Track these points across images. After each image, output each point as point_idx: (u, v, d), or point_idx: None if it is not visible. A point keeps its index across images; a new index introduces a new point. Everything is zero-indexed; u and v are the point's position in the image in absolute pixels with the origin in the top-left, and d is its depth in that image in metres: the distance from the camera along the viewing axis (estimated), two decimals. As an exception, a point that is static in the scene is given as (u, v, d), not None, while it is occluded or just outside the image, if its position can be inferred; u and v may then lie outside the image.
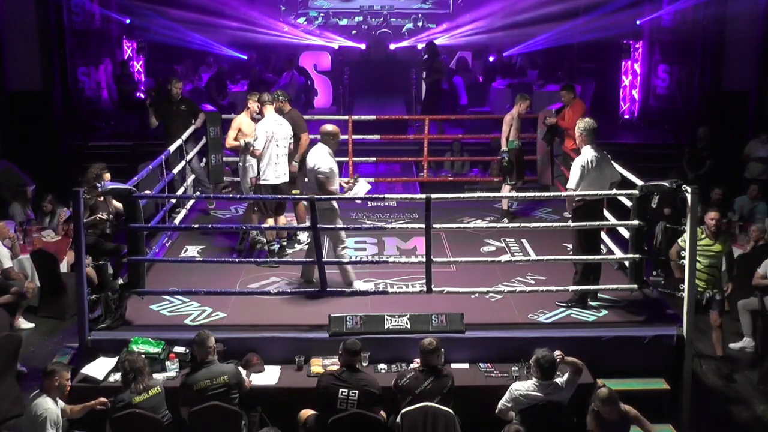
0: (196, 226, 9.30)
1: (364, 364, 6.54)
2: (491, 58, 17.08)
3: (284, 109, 8.77)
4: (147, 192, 8.12)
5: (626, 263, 7.57)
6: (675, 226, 9.69)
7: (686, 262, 6.87)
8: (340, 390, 5.92)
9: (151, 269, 7.80)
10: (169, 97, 10.32)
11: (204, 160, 10.26)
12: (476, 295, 7.43)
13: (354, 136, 10.90)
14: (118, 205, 7.94)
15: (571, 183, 7.23)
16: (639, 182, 7.34)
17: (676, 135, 14.25)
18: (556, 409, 5.92)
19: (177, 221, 9.35)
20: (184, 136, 9.80)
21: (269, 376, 6.60)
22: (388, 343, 6.80)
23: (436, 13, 19.05)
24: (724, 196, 10.72)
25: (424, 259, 6.99)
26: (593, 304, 7.45)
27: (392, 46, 18.30)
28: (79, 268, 6.80)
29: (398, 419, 5.93)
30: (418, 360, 6.28)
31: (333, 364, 6.47)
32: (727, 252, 8.31)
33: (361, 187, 7.65)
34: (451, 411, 5.91)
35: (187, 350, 6.57)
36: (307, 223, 7.84)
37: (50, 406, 5.87)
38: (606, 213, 8.01)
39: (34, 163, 12.48)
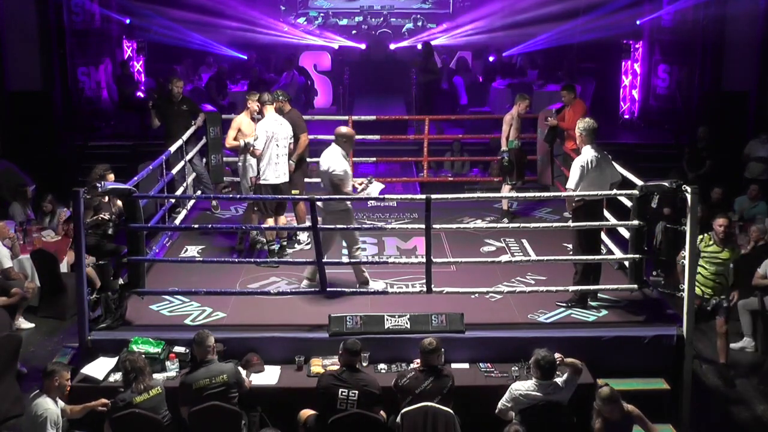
0: (196, 226, 9.30)
1: (364, 364, 6.54)
2: (491, 58, 17.08)
3: (284, 109, 8.77)
4: (147, 192, 8.13)
5: (626, 263, 7.56)
6: (675, 226, 9.68)
7: (686, 261, 6.86)
8: (340, 390, 5.93)
9: (151, 269, 7.81)
10: (170, 96, 10.31)
11: (204, 159, 10.26)
12: (476, 295, 7.43)
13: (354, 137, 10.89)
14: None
15: (571, 183, 7.23)
16: (639, 182, 7.34)
17: (676, 135, 14.26)
18: (556, 409, 5.92)
19: (177, 221, 9.35)
20: (185, 136, 9.81)
21: (269, 376, 6.60)
22: (388, 343, 6.80)
23: (436, 13, 19.06)
24: (724, 196, 10.73)
25: (424, 259, 6.99)
26: (593, 304, 7.45)
27: (392, 46, 18.30)
28: (79, 268, 6.79)
29: (398, 419, 5.93)
30: (418, 360, 6.29)
31: (333, 364, 6.47)
32: (737, 260, 8.13)
33: (375, 188, 7.65)
34: (451, 411, 5.91)
35: (187, 350, 6.57)
36: (308, 223, 7.84)
37: (50, 407, 5.87)
38: (606, 213, 8.00)
39: (34, 163, 12.47)
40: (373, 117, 11.28)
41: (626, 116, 15.79)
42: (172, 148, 9.31)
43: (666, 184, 6.99)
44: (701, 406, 7.32)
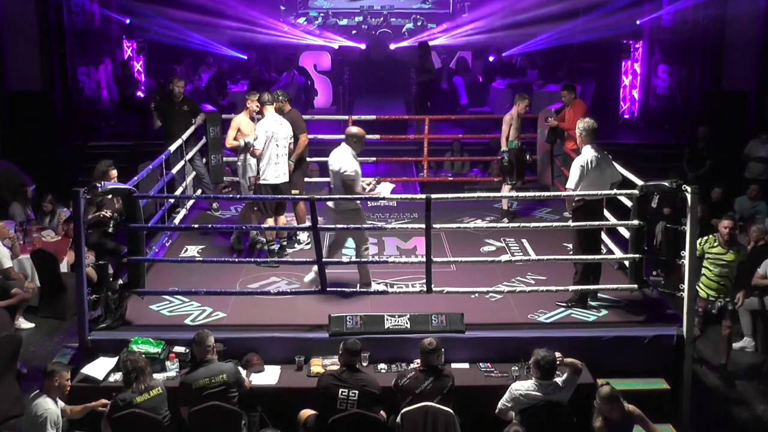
0: (196, 226, 9.29)
1: (364, 364, 6.54)
2: (491, 58, 17.08)
3: (284, 109, 8.76)
4: (147, 192, 8.12)
5: (626, 263, 7.56)
6: (675, 226, 9.67)
7: (686, 261, 6.86)
8: (340, 390, 5.93)
9: (151, 269, 7.80)
10: (171, 96, 10.32)
11: (204, 159, 10.26)
12: (476, 295, 7.43)
13: (354, 136, 10.90)
14: None
15: (571, 183, 7.23)
16: (639, 182, 7.34)
17: (676, 135, 14.26)
18: (556, 408, 5.92)
19: (177, 221, 9.35)
20: (185, 136, 9.81)
21: (269, 376, 6.60)
22: (388, 343, 6.80)
23: (436, 13, 19.05)
24: (724, 196, 10.73)
25: (424, 259, 6.98)
26: (593, 304, 7.45)
27: (392, 46, 18.30)
28: (79, 268, 6.79)
29: (398, 419, 5.93)
30: (418, 360, 6.28)
31: (333, 364, 6.47)
32: (741, 262, 8.03)
33: (386, 188, 7.65)
34: (451, 411, 5.91)
35: (187, 350, 6.57)
36: (308, 223, 7.84)
37: (50, 407, 5.87)
38: (606, 213, 8.00)
39: (34, 163, 12.48)
40: (373, 117, 11.28)
41: (626, 116, 15.79)
42: (172, 148, 9.31)
43: (666, 184, 6.99)
44: (701, 406, 7.33)
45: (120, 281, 7.15)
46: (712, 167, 11.85)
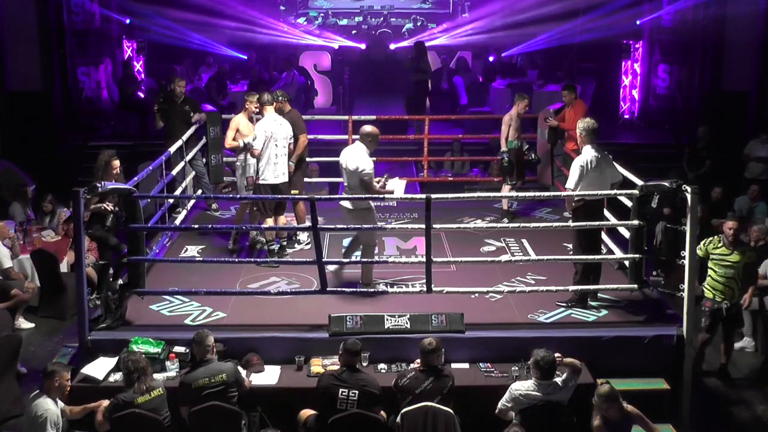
0: (196, 226, 9.30)
1: (364, 364, 6.54)
2: (491, 58, 17.08)
3: (284, 110, 8.76)
4: (147, 192, 8.12)
5: (626, 263, 7.57)
6: (675, 226, 9.66)
7: (686, 261, 6.86)
8: (340, 390, 5.93)
9: (151, 269, 7.81)
10: (172, 96, 10.32)
11: (204, 159, 10.26)
12: (476, 295, 7.43)
13: (354, 136, 10.87)
14: None
15: (570, 183, 7.23)
16: (639, 182, 7.34)
17: (676, 135, 14.26)
18: (556, 408, 5.92)
19: (177, 221, 9.35)
20: (185, 136, 9.81)
21: (269, 376, 6.60)
22: (388, 343, 6.80)
23: (436, 13, 19.04)
24: (724, 196, 10.73)
25: (424, 259, 6.99)
26: (593, 304, 7.45)
27: (392, 46, 18.28)
28: (79, 268, 6.79)
29: (398, 419, 5.93)
30: (418, 360, 6.28)
31: (333, 364, 6.47)
32: (747, 263, 7.89)
33: (399, 187, 7.66)
34: (451, 411, 5.91)
35: (187, 350, 6.57)
36: (308, 223, 7.84)
37: (50, 407, 5.87)
38: (606, 213, 8.00)
39: (34, 163, 12.48)
40: (373, 117, 11.26)
41: (626, 116, 15.79)
42: (172, 148, 9.31)
43: (666, 184, 6.99)
44: (701, 406, 7.33)
45: (120, 281, 7.15)
46: (712, 167, 11.85)
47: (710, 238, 7.86)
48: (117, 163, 7.75)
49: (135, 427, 5.86)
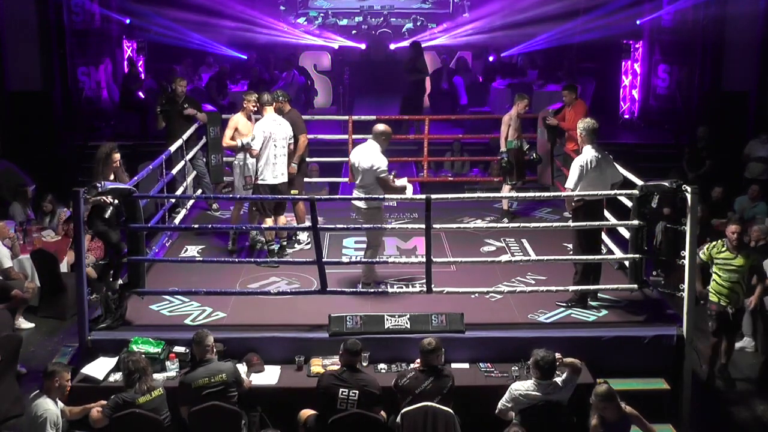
0: (196, 226, 9.30)
1: (364, 364, 6.54)
2: (491, 58, 17.07)
3: (284, 110, 8.76)
4: (147, 192, 8.11)
5: (626, 263, 7.57)
6: (675, 226, 9.66)
7: (686, 261, 6.86)
8: (341, 390, 5.93)
9: (151, 269, 7.81)
10: (173, 96, 10.32)
11: (205, 159, 10.26)
12: (476, 295, 7.43)
13: (354, 136, 10.90)
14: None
15: (570, 183, 7.23)
16: (639, 182, 7.34)
17: (676, 135, 14.26)
18: (556, 408, 5.92)
19: (177, 221, 9.35)
20: (185, 136, 9.81)
21: (269, 376, 6.60)
22: (388, 343, 6.80)
23: (436, 13, 19.03)
24: (724, 196, 10.73)
25: (424, 259, 6.99)
26: (593, 304, 7.45)
27: (392, 46, 18.28)
28: (79, 268, 6.79)
29: (398, 419, 5.93)
30: (418, 360, 6.28)
31: (333, 364, 6.47)
32: (752, 266, 7.83)
33: (408, 185, 7.67)
34: (451, 411, 5.91)
35: (187, 350, 6.57)
36: (308, 223, 7.84)
37: (50, 407, 5.87)
38: (606, 213, 8.00)
39: (34, 163, 12.47)
40: (373, 117, 11.26)
41: (626, 116, 15.79)
42: (172, 148, 9.31)
43: (666, 184, 7.00)
44: (701, 406, 7.32)
45: (120, 281, 7.15)
46: (712, 167, 11.85)
47: (713, 243, 7.83)
48: (117, 156, 7.72)
49: (135, 427, 5.86)
